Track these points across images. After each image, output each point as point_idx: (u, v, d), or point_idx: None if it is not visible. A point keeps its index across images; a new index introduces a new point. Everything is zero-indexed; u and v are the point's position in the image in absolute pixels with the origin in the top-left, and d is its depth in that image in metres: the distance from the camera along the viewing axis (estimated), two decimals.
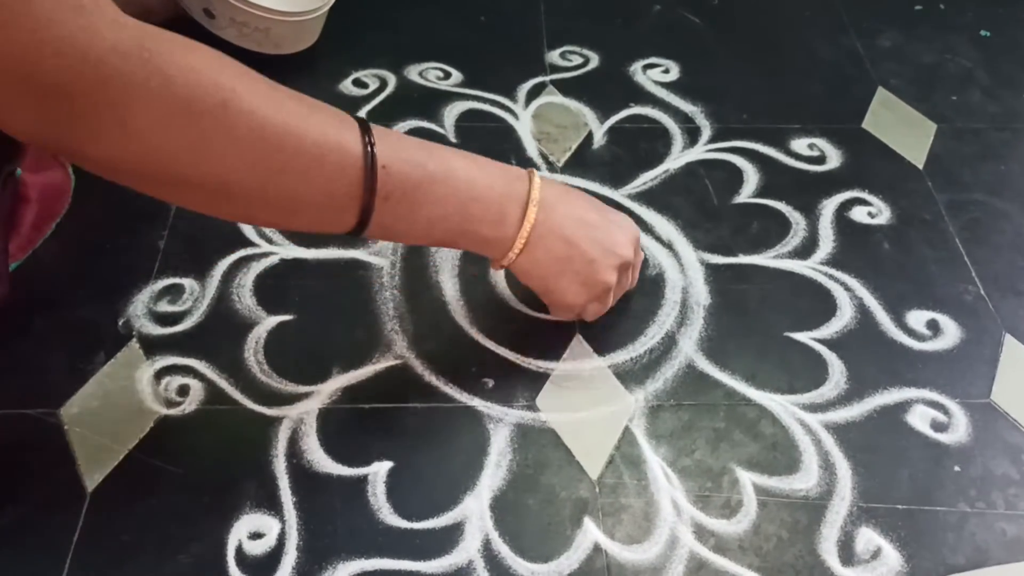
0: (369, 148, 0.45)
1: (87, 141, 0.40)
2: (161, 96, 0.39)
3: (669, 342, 0.60)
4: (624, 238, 0.56)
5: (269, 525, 0.50)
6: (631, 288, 0.60)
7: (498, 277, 0.63)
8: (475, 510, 0.51)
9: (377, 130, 0.47)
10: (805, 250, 0.66)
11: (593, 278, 0.55)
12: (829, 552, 0.50)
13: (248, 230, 0.66)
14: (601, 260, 0.54)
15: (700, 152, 0.73)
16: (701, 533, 0.50)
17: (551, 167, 0.72)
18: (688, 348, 0.60)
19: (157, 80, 0.39)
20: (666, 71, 0.82)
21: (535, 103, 0.77)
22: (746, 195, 0.70)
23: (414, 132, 0.74)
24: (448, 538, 0.50)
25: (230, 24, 0.76)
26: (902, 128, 0.77)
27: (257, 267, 0.63)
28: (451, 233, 0.51)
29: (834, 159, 0.74)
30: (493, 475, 0.53)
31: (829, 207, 0.69)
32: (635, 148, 0.74)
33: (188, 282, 0.62)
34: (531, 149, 0.73)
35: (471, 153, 0.51)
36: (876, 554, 0.50)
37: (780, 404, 0.57)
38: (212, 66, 0.41)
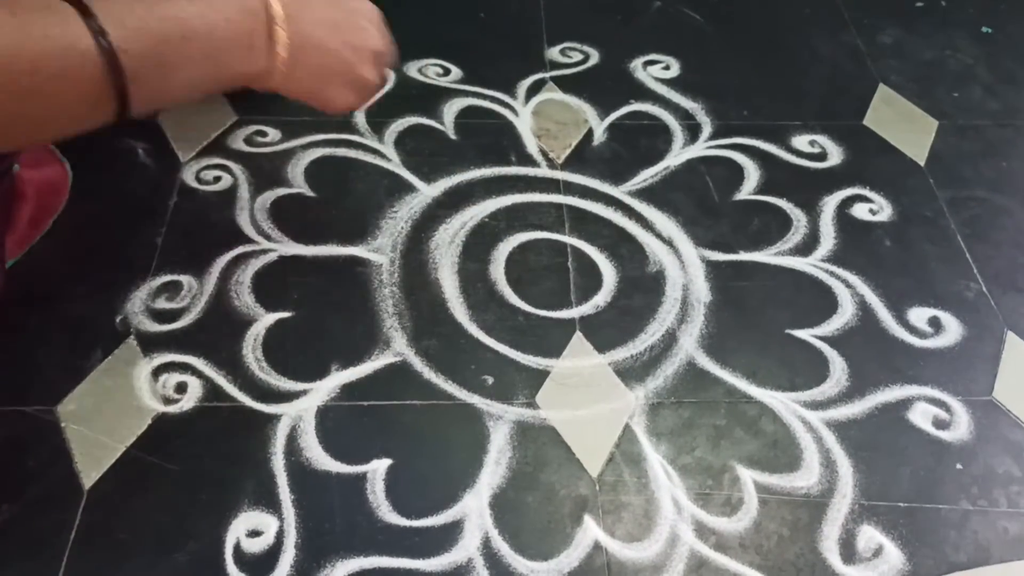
0: (102, 38, 0.42)
1: None
2: None
3: (669, 339, 0.60)
4: (372, 28, 0.56)
5: (267, 523, 0.50)
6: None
7: (497, 274, 0.63)
8: (474, 508, 0.51)
9: (96, 6, 0.42)
10: (806, 247, 0.66)
11: (356, 80, 0.55)
12: (830, 550, 0.50)
13: (247, 227, 0.65)
14: (358, 61, 0.55)
15: (701, 149, 0.73)
16: (702, 531, 0.50)
17: (551, 164, 0.71)
18: (689, 345, 0.59)
19: None
20: (666, 67, 0.81)
21: (535, 100, 0.77)
22: (747, 192, 0.70)
23: (413, 129, 0.74)
24: (447, 536, 0.49)
25: None
26: (903, 125, 0.77)
27: (256, 264, 0.63)
28: (212, 83, 0.49)
29: (835, 156, 0.73)
30: (493, 473, 0.52)
31: (830, 204, 0.69)
32: (635, 145, 0.73)
33: (186, 279, 0.62)
34: (531, 146, 0.73)
35: None
36: (878, 552, 0.50)
37: (781, 401, 0.56)
38: None
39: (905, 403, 0.57)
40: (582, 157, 0.72)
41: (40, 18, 0.41)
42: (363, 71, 0.55)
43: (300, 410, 0.55)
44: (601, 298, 0.62)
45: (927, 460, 0.54)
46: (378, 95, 0.59)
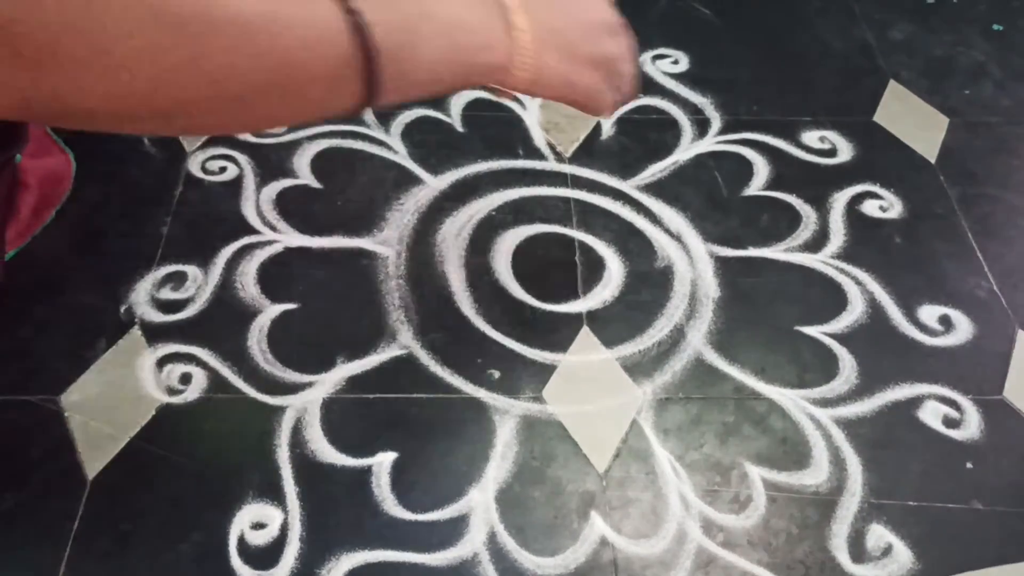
0: (353, 11, 0.43)
1: (72, 87, 0.36)
2: (137, 12, 0.36)
3: (677, 335, 0.59)
4: (603, 4, 0.55)
5: (272, 515, 0.49)
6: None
7: (504, 268, 0.62)
8: (480, 502, 0.50)
9: None
10: (816, 243, 0.65)
11: (600, 55, 0.53)
12: (839, 548, 0.49)
13: (253, 218, 0.65)
14: (601, 36, 0.53)
15: (710, 144, 0.73)
16: (709, 528, 0.50)
17: (559, 157, 0.71)
18: (697, 341, 0.59)
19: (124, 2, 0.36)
20: (675, 62, 0.81)
21: None
22: (756, 187, 0.69)
23: (421, 121, 0.73)
24: (453, 530, 0.49)
25: None
26: (914, 121, 0.76)
27: (261, 255, 0.62)
28: (455, 71, 0.48)
29: (845, 152, 0.73)
30: (499, 467, 0.52)
31: (840, 200, 0.69)
32: (644, 139, 0.73)
33: (191, 269, 0.61)
34: (539, 139, 0.72)
35: None
36: (887, 551, 0.49)
37: (790, 398, 0.56)
38: None
39: (915, 401, 0.56)
40: (590, 151, 0.72)
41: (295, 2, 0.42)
42: (606, 46, 0.53)
43: (305, 402, 0.54)
44: (609, 293, 0.62)
45: (937, 459, 0.53)
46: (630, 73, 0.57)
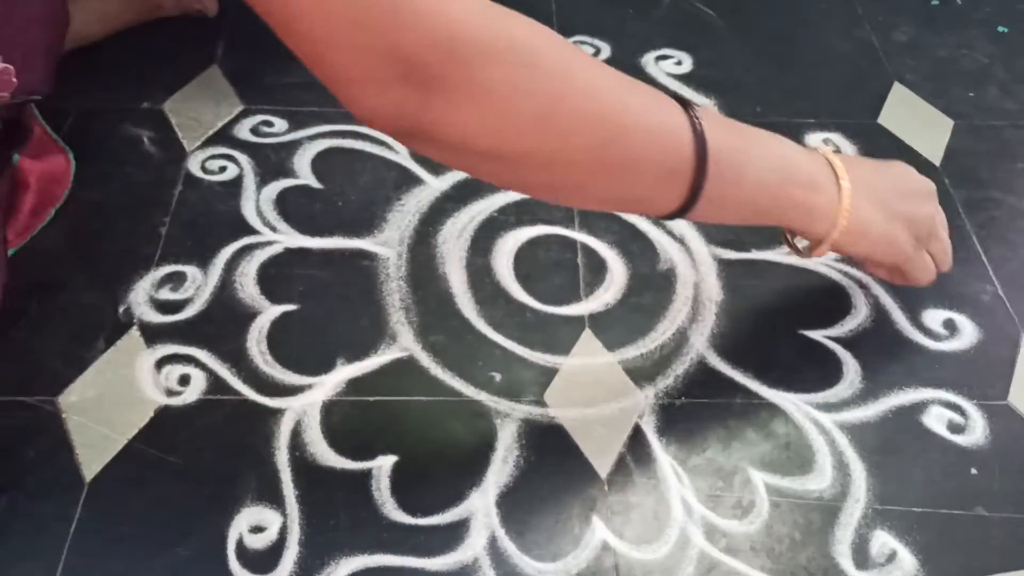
0: (696, 119, 0.45)
1: (442, 117, 0.40)
2: (509, 61, 0.40)
3: (680, 338, 0.59)
4: (908, 170, 0.56)
5: (270, 519, 0.49)
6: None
7: (502, 268, 0.62)
8: (481, 507, 0.50)
9: (687, 100, 0.46)
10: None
11: (915, 216, 0.53)
12: (843, 555, 0.49)
13: (253, 218, 0.64)
14: (911, 195, 0.54)
15: None
16: (712, 533, 0.49)
17: None
18: (700, 344, 0.58)
19: (504, 47, 0.40)
20: (678, 63, 0.80)
21: None
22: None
23: None
24: (453, 535, 0.49)
25: None
26: (918, 124, 0.76)
27: (261, 255, 0.62)
28: (777, 200, 0.50)
29: (849, 154, 0.72)
30: (500, 471, 0.51)
31: None
32: None
33: (190, 270, 0.61)
34: None
35: None
36: (891, 558, 0.49)
37: (793, 403, 0.55)
38: (544, 32, 0.42)
39: (920, 406, 0.56)
40: None
41: (647, 88, 0.46)
42: (922, 207, 0.54)
43: (305, 404, 0.54)
44: (611, 295, 0.61)
45: (942, 465, 0.53)
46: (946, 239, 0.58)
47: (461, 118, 0.40)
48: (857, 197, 0.51)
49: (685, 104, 0.46)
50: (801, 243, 0.56)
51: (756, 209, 0.50)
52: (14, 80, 0.53)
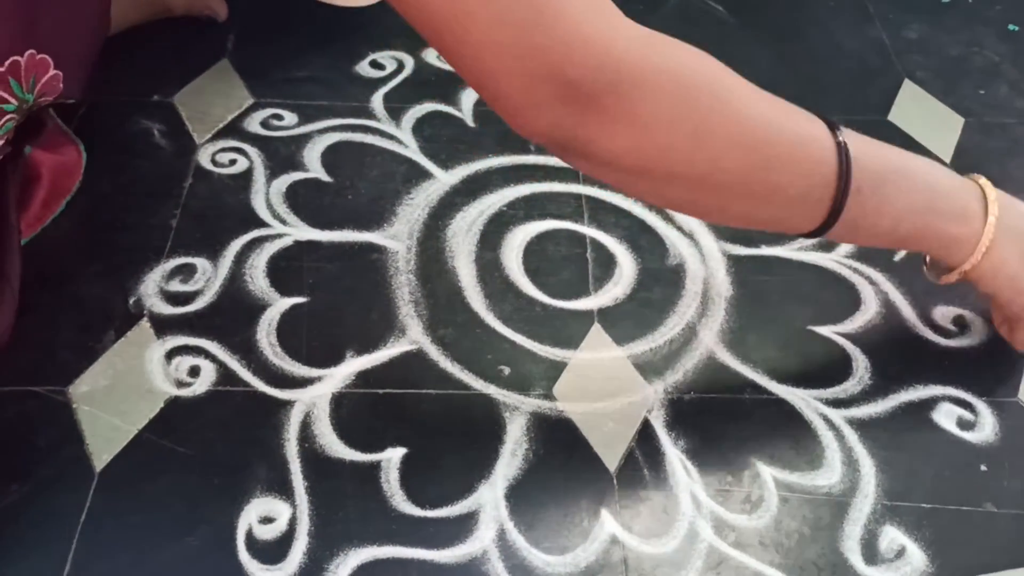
0: (841, 140, 0.46)
1: (598, 137, 0.42)
2: (667, 89, 0.41)
3: (689, 333, 0.59)
4: None
5: (280, 510, 0.49)
6: None
7: (511, 262, 0.62)
8: (490, 499, 0.50)
9: (838, 125, 0.47)
10: (829, 243, 0.65)
11: None
12: (852, 550, 0.49)
13: (262, 211, 0.64)
14: None
15: None
16: (721, 528, 0.49)
17: None
18: (709, 339, 0.58)
19: (664, 76, 0.41)
20: None
21: None
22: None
23: (432, 115, 0.73)
24: (462, 527, 0.49)
25: None
26: (928, 121, 0.76)
27: (270, 248, 0.62)
28: (916, 229, 0.50)
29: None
30: (508, 464, 0.51)
31: None
32: None
33: (200, 262, 0.61)
34: None
35: None
36: (900, 553, 0.49)
37: (802, 398, 0.55)
38: (703, 61, 0.44)
39: (929, 403, 0.56)
40: None
41: (795, 108, 0.47)
42: None
43: (314, 396, 0.54)
44: (620, 290, 0.61)
45: (951, 461, 0.53)
46: None
47: (616, 142, 0.42)
48: (1000, 237, 0.51)
49: (833, 127, 0.47)
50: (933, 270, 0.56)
51: (895, 238, 0.51)
52: (61, 86, 0.54)
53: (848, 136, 0.47)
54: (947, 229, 0.51)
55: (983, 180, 0.52)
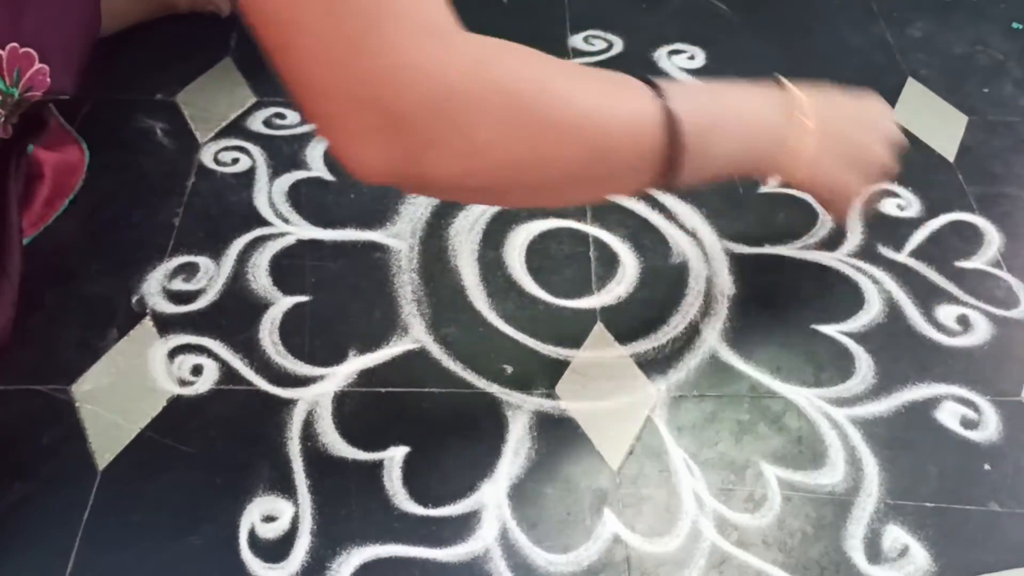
0: (667, 107, 0.46)
1: (433, 166, 0.40)
2: (498, 106, 0.40)
3: (692, 332, 0.59)
4: (879, 109, 0.59)
5: (282, 508, 0.49)
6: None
7: (513, 261, 0.62)
8: (492, 498, 0.50)
9: (662, 85, 0.47)
10: (832, 241, 0.65)
11: (869, 163, 0.56)
12: (855, 549, 0.49)
13: (265, 210, 0.64)
14: (871, 144, 0.56)
15: None
16: (724, 527, 0.49)
17: None
18: (712, 338, 0.58)
19: (496, 94, 0.40)
20: (691, 57, 0.80)
21: None
22: (772, 185, 0.68)
23: None
24: (464, 526, 0.49)
25: None
26: (932, 120, 0.75)
27: (273, 247, 0.62)
28: (740, 166, 0.53)
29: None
30: (511, 463, 0.51)
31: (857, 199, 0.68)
32: None
33: (203, 260, 0.61)
34: None
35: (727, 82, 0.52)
36: (903, 552, 0.49)
37: (806, 397, 0.55)
38: (528, 62, 0.42)
39: (933, 402, 0.56)
40: None
41: (619, 83, 0.46)
42: (879, 155, 0.57)
43: (317, 395, 0.54)
44: (623, 289, 0.61)
45: (955, 460, 0.53)
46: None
47: (453, 168, 0.41)
48: (819, 151, 0.53)
49: (657, 90, 0.46)
50: None
51: (725, 173, 0.53)
52: (48, 80, 0.53)
53: (671, 97, 0.46)
54: (772, 157, 0.53)
55: (795, 92, 0.54)
